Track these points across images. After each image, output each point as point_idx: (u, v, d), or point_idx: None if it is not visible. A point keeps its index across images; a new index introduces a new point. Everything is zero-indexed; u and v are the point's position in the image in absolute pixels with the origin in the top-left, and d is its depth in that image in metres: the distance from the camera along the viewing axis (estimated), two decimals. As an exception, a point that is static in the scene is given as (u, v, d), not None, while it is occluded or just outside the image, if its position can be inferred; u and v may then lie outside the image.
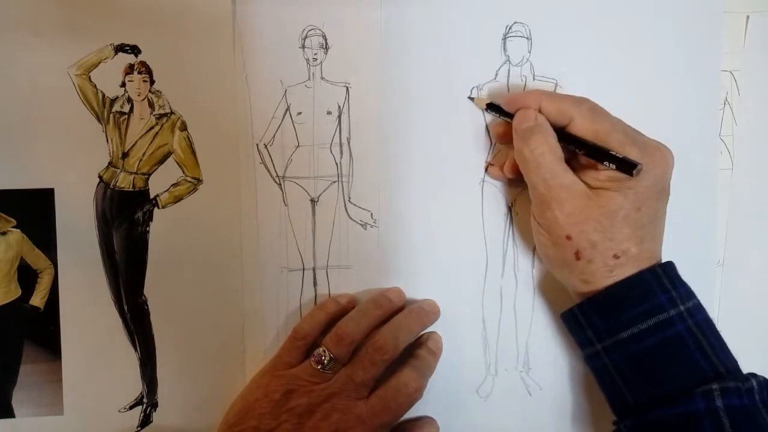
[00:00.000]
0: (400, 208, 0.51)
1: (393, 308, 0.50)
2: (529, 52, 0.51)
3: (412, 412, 0.48)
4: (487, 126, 0.51)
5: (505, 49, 0.51)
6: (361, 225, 0.52)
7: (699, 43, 0.52)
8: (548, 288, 0.52)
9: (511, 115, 0.47)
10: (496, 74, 0.51)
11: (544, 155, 0.44)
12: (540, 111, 0.46)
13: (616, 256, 0.44)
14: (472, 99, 0.51)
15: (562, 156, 0.45)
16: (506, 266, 0.52)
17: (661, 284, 0.44)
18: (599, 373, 0.46)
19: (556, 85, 0.51)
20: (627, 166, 0.42)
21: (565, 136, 0.45)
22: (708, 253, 0.52)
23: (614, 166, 0.43)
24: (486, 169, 0.51)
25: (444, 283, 0.52)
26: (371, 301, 0.49)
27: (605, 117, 0.45)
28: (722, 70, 0.52)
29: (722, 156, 0.53)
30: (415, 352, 0.49)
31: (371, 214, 0.51)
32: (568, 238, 0.44)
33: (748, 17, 0.52)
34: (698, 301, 0.45)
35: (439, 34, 0.51)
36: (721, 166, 0.53)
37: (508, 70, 0.51)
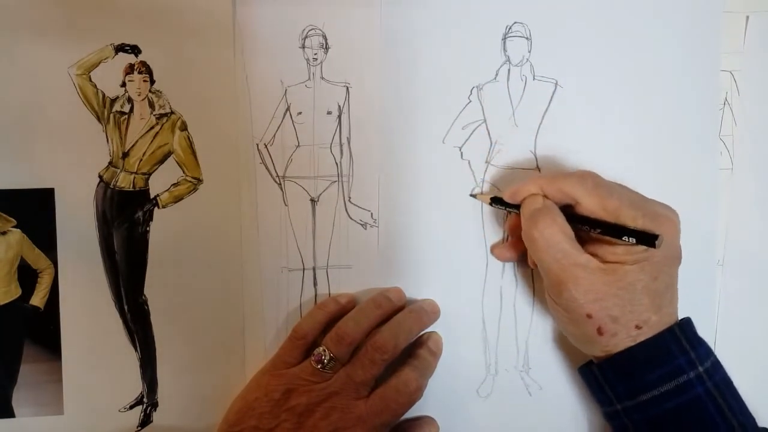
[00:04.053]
0: (400, 208, 0.51)
1: (393, 308, 0.50)
2: (529, 52, 0.51)
3: (412, 412, 0.48)
4: (486, 124, 0.51)
5: (505, 49, 0.51)
6: (361, 225, 0.52)
7: (699, 43, 0.52)
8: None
9: (517, 206, 0.47)
10: (496, 74, 0.51)
11: (553, 236, 0.44)
12: (544, 196, 0.46)
13: (638, 327, 0.44)
14: (474, 196, 0.51)
15: (573, 235, 0.45)
16: (506, 266, 0.52)
17: (679, 345, 0.44)
18: (619, 431, 0.46)
19: (557, 84, 0.51)
20: (647, 239, 0.42)
21: (576, 218, 0.45)
22: (708, 253, 0.52)
23: (634, 240, 0.42)
24: (492, 250, 0.51)
25: (444, 283, 0.52)
26: (371, 301, 0.49)
27: (611, 191, 0.44)
28: (722, 70, 0.52)
29: (722, 156, 0.53)
30: (415, 352, 0.49)
31: (371, 214, 0.52)
32: (589, 316, 0.44)
33: (748, 17, 0.52)
34: (716, 358, 0.45)
35: (439, 33, 0.51)
36: (721, 166, 0.53)
37: (508, 70, 0.51)
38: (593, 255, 0.44)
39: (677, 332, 0.44)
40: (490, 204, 0.50)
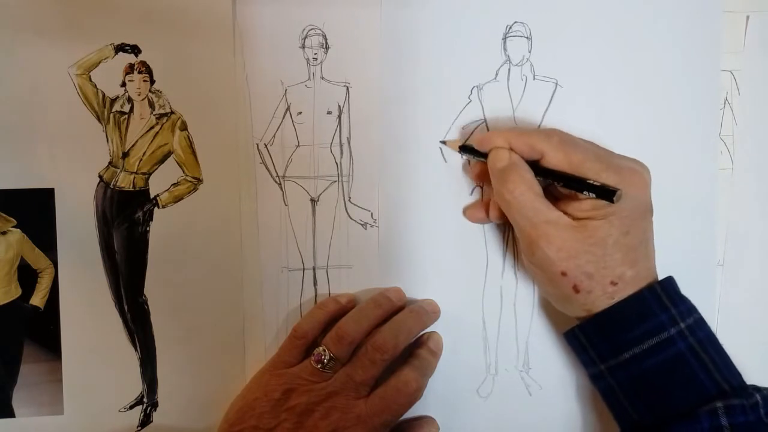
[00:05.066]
0: (400, 208, 0.51)
1: (393, 308, 0.50)
2: (529, 51, 0.51)
3: (412, 412, 0.48)
4: (487, 124, 0.51)
5: (505, 49, 0.51)
6: (361, 225, 0.52)
7: (699, 43, 0.52)
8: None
9: (485, 155, 0.47)
10: (496, 74, 0.51)
11: (523, 194, 0.44)
12: (511, 149, 0.46)
13: (613, 283, 0.44)
14: (444, 143, 0.51)
15: (542, 192, 0.45)
16: (506, 266, 0.52)
17: (660, 303, 0.44)
18: (604, 392, 0.46)
19: (557, 84, 0.51)
20: (606, 193, 0.42)
21: (540, 170, 0.45)
22: (708, 253, 0.52)
23: (594, 195, 0.42)
24: (464, 212, 0.51)
25: (444, 283, 0.52)
26: (371, 301, 0.49)
27: (576, 146, 0.44)
28: (722, 70, 0.52)
29: (722, 156, 0.53)
30: (415, 352, 0.49)
31: (371, 214, 0.52)
32: (563, 273, 0.44)
33: (748, 17, 0.52)
34: (700, 315, 0.45)
35: (439, 33, 0.51)
36: (721, 166, 0.53)
37: (509, 70, 0.51)
38: (564, 212, 0.44)
39: (658, 290, 0.44)
40: (459, 151, 0.50)
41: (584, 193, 0.43)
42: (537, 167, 0.45)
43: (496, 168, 0.46)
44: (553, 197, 0.45)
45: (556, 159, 0.44)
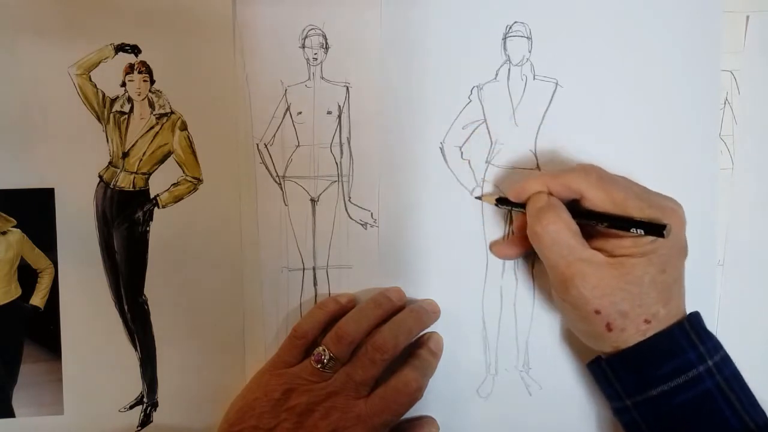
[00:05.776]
0: (400, 208, 0.51)
1: (393, 308, 0.50)
2: (530, 51, 0.51)
3: (412, 412, 0.48)
4: (487, 124, 0.51)
5: (505, 49, 0.51)
6: (361, 225, 0.52)
7: (699, 43, 0.52)
8: (548, 287, 0.52)
9: (523, 206, 0.47)
10: (497, 74, 0.51)
11: (558, 232, 0.44)
12: (549, 193, 0.46)
13: (647, 321, 0.43)
14: (479, 198, 0.51)
15: (578, 231, 0.44)
16: (506, 266, 0.52)
17: (689, 340, 0.43)
18: (628, 426, 0.46)
19: (557, 84, 0.51)
20: (656, 229, 0.42)
21: (582, 213, 0.45)
22: (708, 253, 0.52)
23: (643, 232, 0.42)
24: (491, 247, 0.51)
25: (444, 283, 0.52)
26: (371, 301, 0.49)
27: (616, 183, 0.44)
28: (722, 70, 0.52)
29: (722, 156, 0.53)
30: (416, 352, 0.49)
31: (371, 214, 0.52)
32: (597, 312, 0.43)
33: (748, 17, 0.52)
34: (725, 352, 0.44)
35: (439, 33, 0.51)
36: (721, 166, 0.53)
37: (509, 70, 0.51)
38: (600, 250, 0.44)
39: (687, 327, 0.44)
40: (496, 205, 0.50)
41: (631, 230, 0.42)
42: (579, 210, 0.45)
43: (533, 209, 0.45)
44: (587, 235, 0.45)
45: (597, 198, 0.44)
